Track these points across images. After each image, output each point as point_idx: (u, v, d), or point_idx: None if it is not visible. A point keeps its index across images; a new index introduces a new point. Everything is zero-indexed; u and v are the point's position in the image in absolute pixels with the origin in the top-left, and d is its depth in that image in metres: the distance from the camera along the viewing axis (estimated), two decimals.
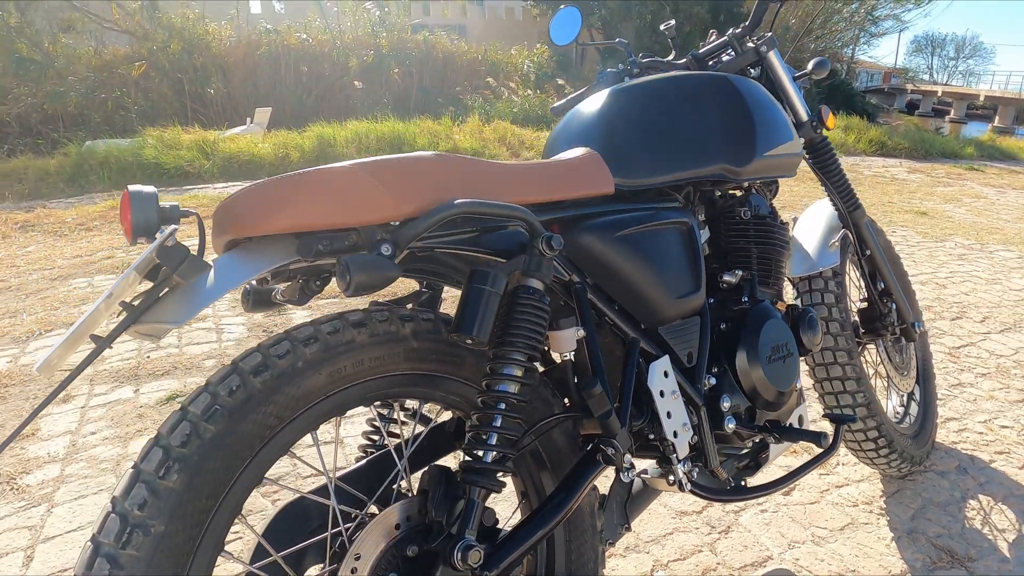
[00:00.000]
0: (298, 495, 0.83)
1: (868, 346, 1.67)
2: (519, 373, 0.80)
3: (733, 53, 1.39)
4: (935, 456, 1.83)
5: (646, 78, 1.15)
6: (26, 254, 3.83)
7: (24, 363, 2.37)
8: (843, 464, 1.77)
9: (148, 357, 2.38)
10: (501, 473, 0.80)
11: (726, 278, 1.20)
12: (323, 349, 0.72)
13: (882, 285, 1.62)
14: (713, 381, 1.10)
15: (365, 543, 0.77)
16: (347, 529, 0.77)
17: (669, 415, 0.99)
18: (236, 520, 0.69)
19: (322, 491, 0.84)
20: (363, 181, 0.73)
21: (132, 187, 0.67)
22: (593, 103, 1.13)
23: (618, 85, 1.15)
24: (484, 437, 0.79)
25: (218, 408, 0.65)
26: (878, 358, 1.71)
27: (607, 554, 1.40)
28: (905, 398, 1.82)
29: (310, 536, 0.81)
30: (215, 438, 0.64)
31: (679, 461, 1.01)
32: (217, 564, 0.69)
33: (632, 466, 1.03)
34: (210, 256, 0.69)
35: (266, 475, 0.71)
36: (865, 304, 1.64)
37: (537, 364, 0.84)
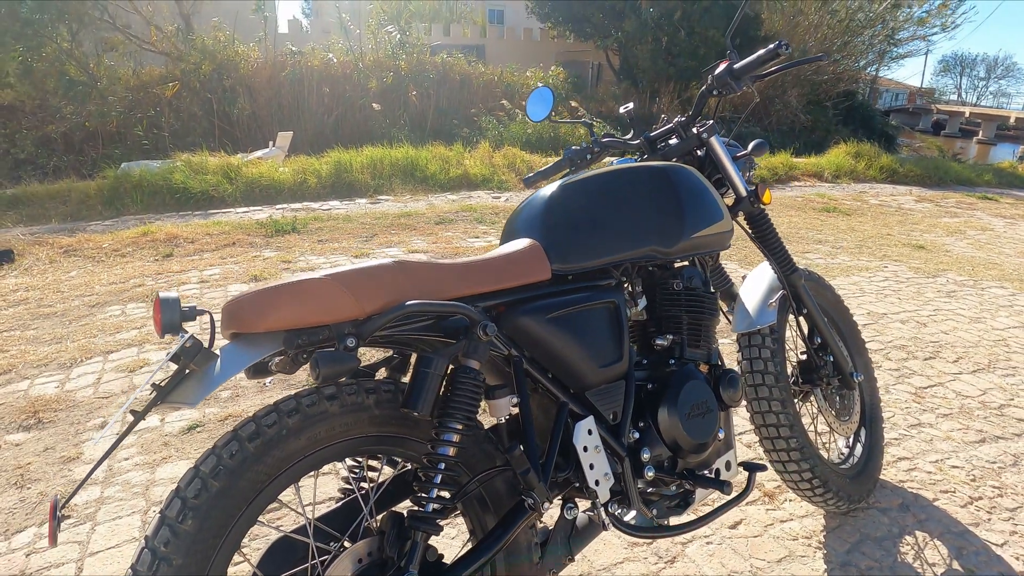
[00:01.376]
0: (283, 534, 1.02)
1: (810, 394, 1.82)
2: (456, 439, 0.99)
3: (679, 139, 1.57)
4: (880, 494, 1.97)
5: (589, 173, 1.33)
6: (69, 279, 4.11)
7: (68, 389, 2.60)
8: (789, 500, 1.92)
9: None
10: (440, 519, 0.99)
11: (658, 342, 1.36)
12: (303, 418, 0.92)
13: (818, 339, 1.77)
14: (636, 435, 1.27)
15: (335, 573, 0.97)
16: (322, 562, 0.97)
17: (592, 466, 1.16)
18: (236, 553, 0.89)
19: (303, 530, 1.03)
20: (333, 289, 0.93)
21: (162, 293, 0.89)
22: (541, 195, 1.31)
23: (566, 178, 1.33)
24: (427, 490, 0.98)
25: (221, 468, 0.86)
26: (820, 405, 1.86)
27: None
28: (851, 440, 1.97)
29: (295, 566, 0.99)
30: (220, 491, 0.85)
31: (601, 505, 1.18)
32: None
33: (575, 504, 1.22)
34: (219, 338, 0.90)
35: (259, 518, 0.91)
36: (805, 357, 1.80)
37: (477, 426, 1.03)
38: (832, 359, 1.78)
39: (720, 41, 13.98)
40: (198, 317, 0.92)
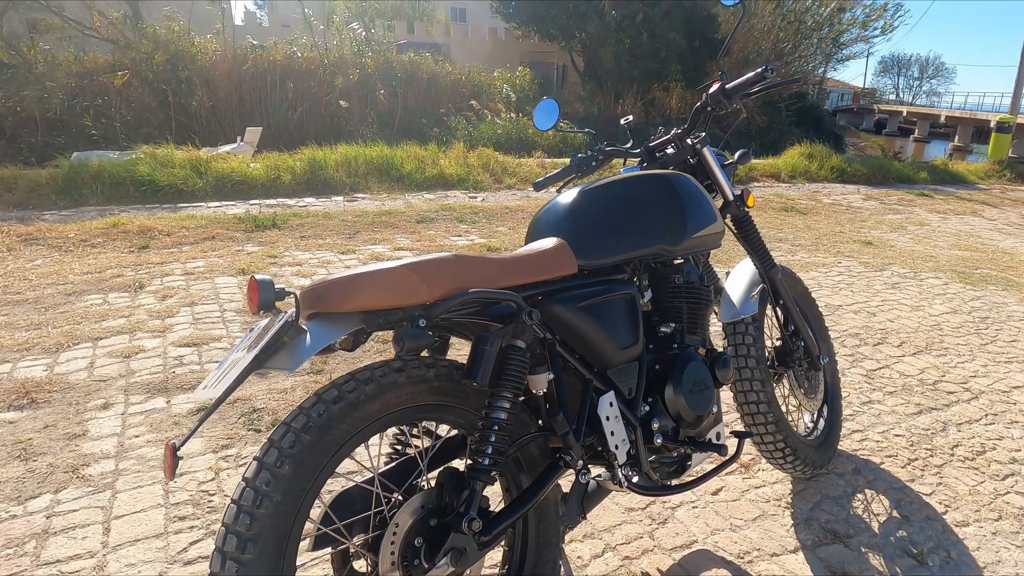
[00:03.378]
0: (352, 484, 1.17)
1: (783, 375, 2.05)
2: (507, 405, 1.16)
3: (675, 149, 1.75)
4: (838, 461, 2.23)
5: (605, 180, 1.49)
6: (35, 267, 4.06)
7: (59, 372, 2.65)
8: (763, 470, 2.16)
9: (174, 372, 2.69)
10: (494, 472, 1.16)
11: (662, 329, 1.54)
12: (377, 387, 1.07)
13: (792, 327, 1.98)
14: (647, 408, 1.46)
15: (402, 517, 1.12)
16: (389, 509, 1.13)
17: (612, 433, 1.35)
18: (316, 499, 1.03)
19: (369, 482, 1.17)
20: (409, 277, 1.08)
21: (258, 276, 1.03)
22: (565, 199, 1.47)
23: (585, 185, 1.49)
24: (483, 448, 1.14)
25: (312, 424, 1.01)
26: (791, 384, 2.09)
27: (568, 537, 1.77)
28: (815, 415, 2.22)
29: (361, 512, 1.14)
30: (310, 444, 1.00)
31: (619, 466, 1.37)
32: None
33: (588, 470, 1.41)
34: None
35: (336, 469, 1.06)
36: (780, 343, 2.01)
37: (520, 397, 1.19)
38: (803, 344, 1.99)
39: (680, 44, 14.39)
40: (287, 298, 1.06)
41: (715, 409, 1.58)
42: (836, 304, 3.97)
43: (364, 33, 12.83)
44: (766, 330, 2.02)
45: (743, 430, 1.66)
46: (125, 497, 1.87)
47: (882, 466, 2.21)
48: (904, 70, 66.56)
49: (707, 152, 1.73)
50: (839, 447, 2.32)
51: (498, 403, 1.16)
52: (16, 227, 4.89)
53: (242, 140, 8.46)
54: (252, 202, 6.22)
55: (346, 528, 1.12)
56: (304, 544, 1.09)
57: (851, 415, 2.57)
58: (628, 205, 1.44)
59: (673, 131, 1.77)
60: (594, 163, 1.82)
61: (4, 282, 3.78)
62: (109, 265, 4.15)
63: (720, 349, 1.65)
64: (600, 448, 1.37)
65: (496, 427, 1.15)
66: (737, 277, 1.91)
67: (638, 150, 1.81)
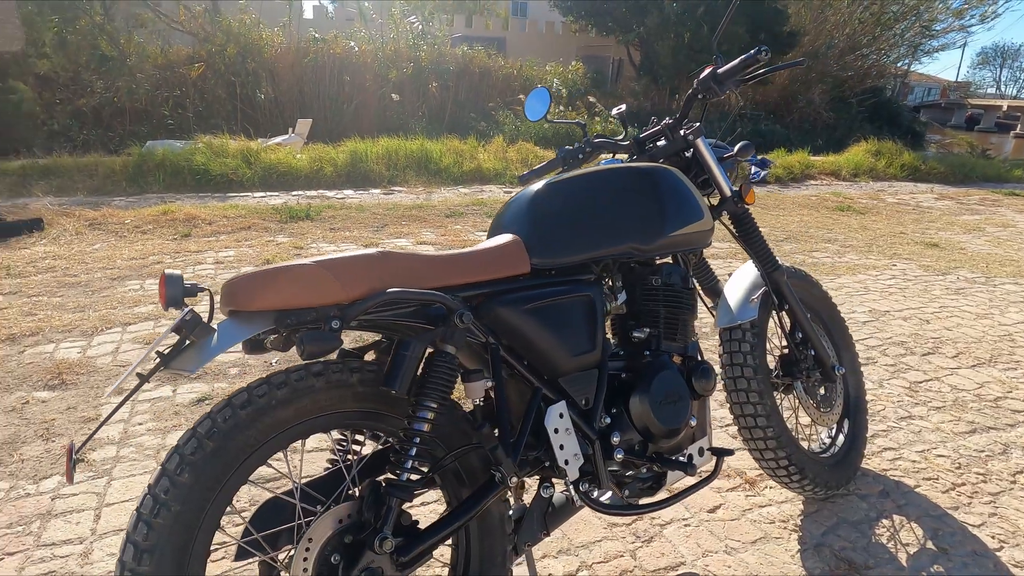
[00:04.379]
0: (273, 495, 1.11)
1: (791, 387, 1.85)
2: (430, 416, 1.07)
3: (666, 140, 1.62)
4: (862, 482, 2.00)
5: (573, 173, 1.38)
6: (93, 251, 4.27)
7: (90, 355, 2.74)
8: (770, 488, 1.96)
9: None
10: (415, 489, 1.08)
11: (635, 334, 1.42)
12: (291, 391, 1.01)
13: (800, 334, 1.80)
14: (608, 420, 1.33)
15: (316, 531, 1.06)
16: (306, 522, 1.06)
17: (561, 447, 1.23)
18: (228, 508, 0.97)
19: (292, 493, 1.12)
20: (320, 275, 1.01)
21: (168, 271, 0.98)
22: (527, 193, 1.36)
23: (552, 178, 1.37)
24: (402, 462, 1.06)
25: (215, 430, 0.96)
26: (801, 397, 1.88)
27: (540, 552, 1.65)
28: (833, 430, 2.01)
29: (283, 524, 1.09)
30: (213, 450, 0.95)
31: (570, 483, 1.26)
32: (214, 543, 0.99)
33: (551, 484, 1.31)
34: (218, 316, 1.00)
35: (251, 478, 1.00)
36: (787, 351, 1.84)
37: (454, 405, 1.11)
38: (813, 353, 1.82)
39: (743, 38, 13.80)
40: (200, 294, 1.01)
41: (694, 423, 1.44)
42: (883, 310, 3.64)
43: (420, 27, 12.91)
44: (774, 338, 1.85)
45: (722, 447, 1.50)
46: (118, 485, 1.89)
47: (917, 490, 1.97)
48: (1009, 61, 61.42)
49: (701, 144, 1.59)
50: (864, 466, 2.08)
51: (420, 413, 1.07)
52: (86, 212, 5.16)
53: (293, 132, 8.68)
54: (294, 193, 6.35)
55: (272, 539, 1.07)
56: (231, 551, 1.03)
57: (883, 431, 2.32)
58: (596, 200, 1.33)
59: (664, 121, 1.64)
60: (581, 156, 1.72)
61: (66, 264, 3.98)
62: (152, 251, 4.31)
63: (709, 358, 1.49)
64: (548, 463, 1.27)
65: (417, 439, 1.07)
66: (737, 280, 1.76)
67: (627, 142, 1.69)
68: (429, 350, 1.10)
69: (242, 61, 11.74)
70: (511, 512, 1.26)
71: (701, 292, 1.73)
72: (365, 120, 11.78)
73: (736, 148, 1.66)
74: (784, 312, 1.79)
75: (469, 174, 7.22)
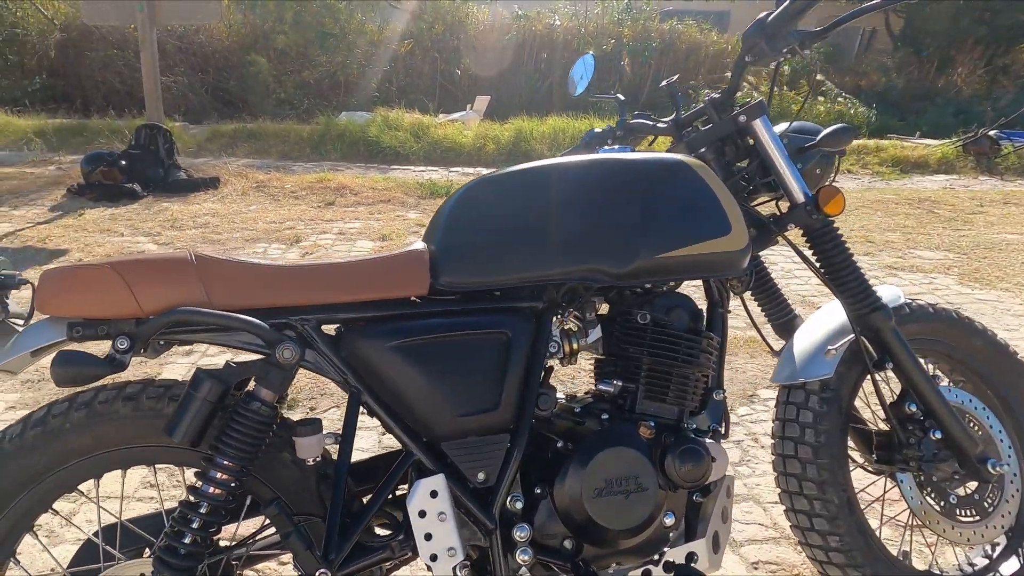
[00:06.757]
0: (87, 538, 0.99)
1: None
2: (221, 477, 0.87)
3: (711, 122, 1.26)
4: None
5: (524, 165, 1.05)
6: (247, 212, 4.55)
7: None
8: None
9: None
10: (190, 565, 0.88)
11: (601, 387, 1.09)
12: (89, 415, 0.89)
13: (914, 405, 1.30)
14: (519, 505, 1.03)
15: None
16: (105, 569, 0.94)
17: (428, 537, 0.95)
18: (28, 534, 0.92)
19: (111, 530, 0.98)
20: (110, 280, 0.86)
21: None
22: (471, 188, 1.05)
23: (491, 173, 1.07)
24: (178, 532, 0.87)
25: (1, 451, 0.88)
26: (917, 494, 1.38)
27: None
28: (988, 547, 1.45)
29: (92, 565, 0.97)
30: None
31: None
32: (9, 569, 0.94)
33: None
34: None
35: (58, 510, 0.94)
36: (888, 427, 1.35)
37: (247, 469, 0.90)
38: (940, 435, 1.30)
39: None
40: (23, 287, 0.95)
41: (670, 522, 1.06)
42: None
43: (626, 1, 12.22)
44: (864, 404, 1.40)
45: (691, 567, 1.06)
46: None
47: None
48: None
49: (762, 127, 1.20)
50: None
51: (210, 473, 0.88)
52: (257, 175, 5.60)
53: (471, 108, 8.68)
54: (454, 169, 6.25)
55: None
56: None
57: None
58: (549, 203, 1.02)
59: (708, 96, 1.29)
60: (610, 141, 1.47)
61: (218, 222, 4.28)
62: (292, 217, 4.44)
63: (695, 437, 1.09)
64: (409, 554, 1.01)
65: (203, 507, 0.88)
66: (818, 322, 1.36)
67: (664, 125, 1.39)
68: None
69: (448, 38, 12.18)
70: None
71: (762, 332, 1.39)
72: (557, 99, 11.53)
73: (824, 133, 1.25)
74: (887, 370, 1.32)
75: None
